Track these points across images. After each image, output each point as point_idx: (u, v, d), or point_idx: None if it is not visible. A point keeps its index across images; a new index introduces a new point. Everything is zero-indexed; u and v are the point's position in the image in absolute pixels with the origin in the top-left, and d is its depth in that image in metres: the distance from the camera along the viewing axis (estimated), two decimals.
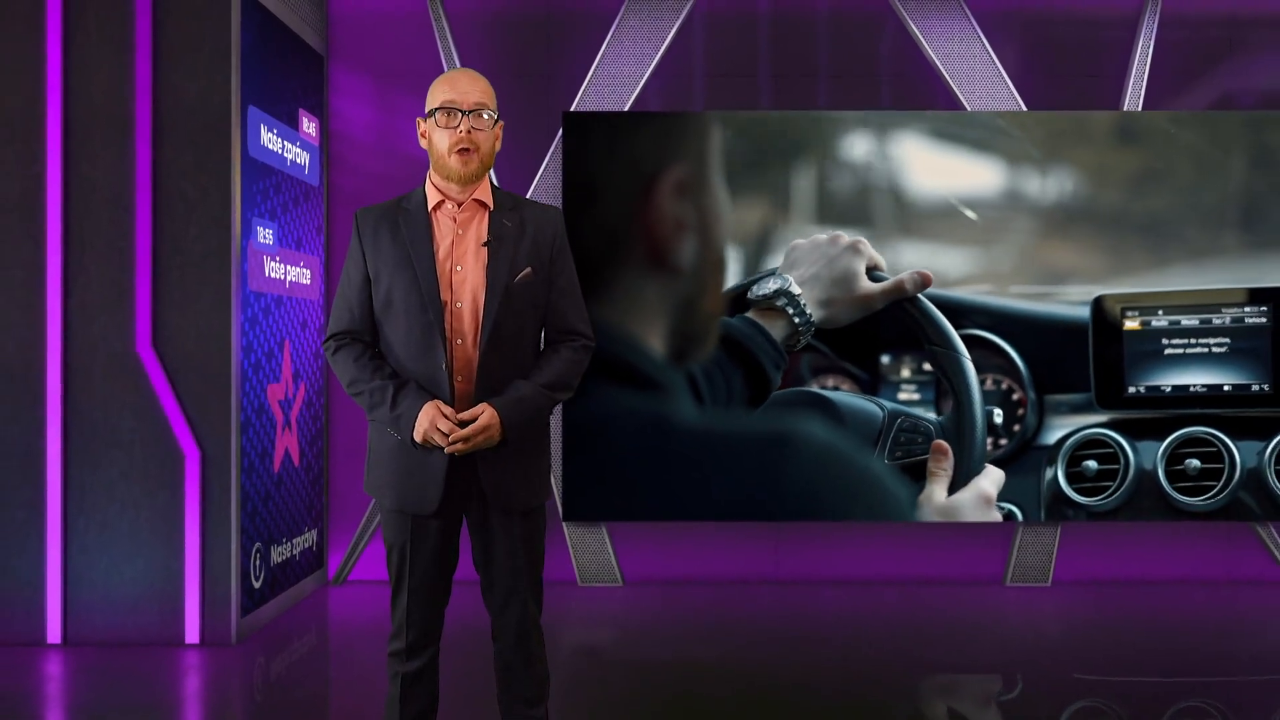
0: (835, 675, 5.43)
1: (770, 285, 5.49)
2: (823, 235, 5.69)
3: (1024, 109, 6.99)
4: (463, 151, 3.50)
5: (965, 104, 6.99)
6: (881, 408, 5.86)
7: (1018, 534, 7.07)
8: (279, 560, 6.36)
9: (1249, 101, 7.20)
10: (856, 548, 7.16)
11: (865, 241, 5.61)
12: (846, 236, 5.63)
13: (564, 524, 7.01)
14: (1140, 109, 7.03)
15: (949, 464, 5.51)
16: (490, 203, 3.58)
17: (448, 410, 3.44)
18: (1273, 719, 4.91)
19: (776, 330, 5.50)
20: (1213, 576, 7.14)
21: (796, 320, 5.46)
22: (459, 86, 3.52)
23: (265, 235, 6.12)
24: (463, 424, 3.45)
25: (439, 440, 3.42)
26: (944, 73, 7.02)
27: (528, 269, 3.54)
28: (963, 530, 7.12)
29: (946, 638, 6.11)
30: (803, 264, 5.63)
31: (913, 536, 7.14)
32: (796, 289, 5.47)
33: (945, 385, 5.52)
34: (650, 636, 6.21)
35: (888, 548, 7.15)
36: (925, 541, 7.15)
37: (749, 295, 5.61)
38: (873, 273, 5.60)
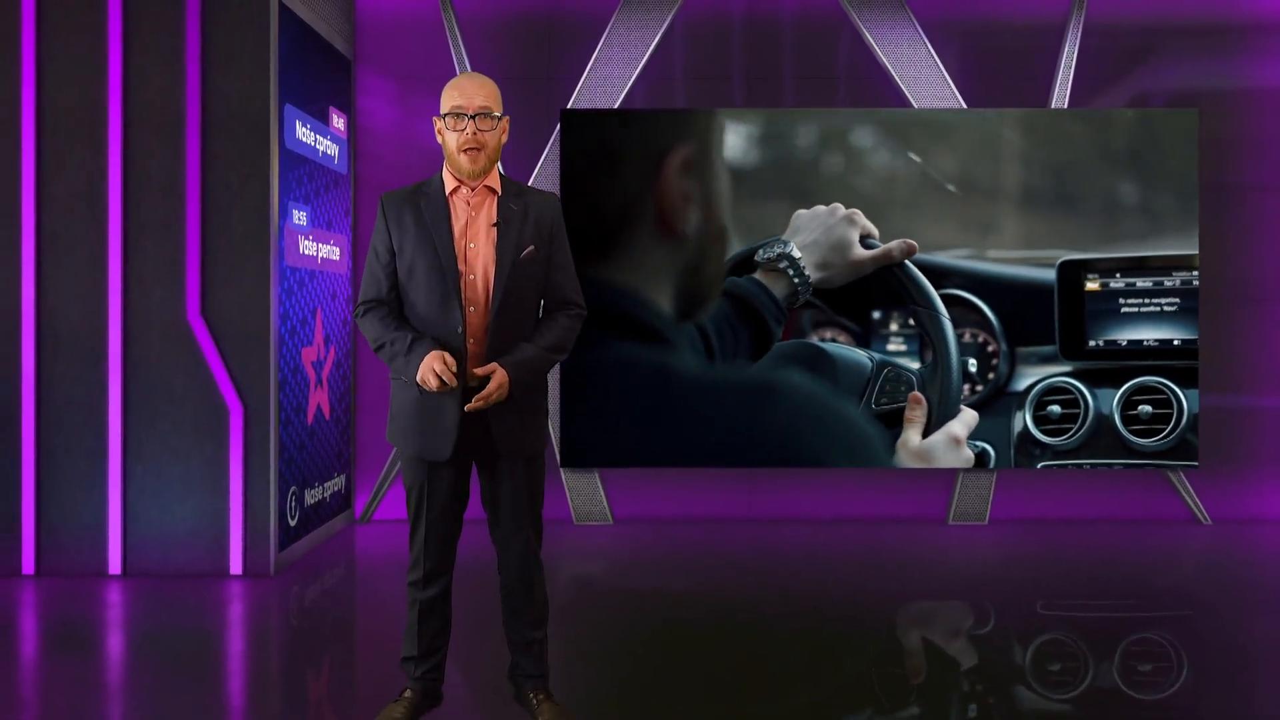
0: (802, 602, 5.48)
1: (774, 249, 5.60)
2: (823, 207, 5.80)
3: (964, 107, 7.02)
4: (470, 150, 3.53)
5: (912, 102, 7.02)
6: (871, 359, 5.96)
7: (959, 479, 7.14)
8: (312, 502, 6.42)
9: (1161, 100, 7.23)
10: (820, 491, 7.22)
11: (859, 213, 5.74)
12: (843, 208, 5.74)
13: (561, 470, 7.06)
14: (1066, 107, 7.06)
15: (923, 412, 5.65)
16: (498, 189, 3.62)
17: (448, 359, 3.45)
18: (1182, 642, 4.98)
19: (778, 289, 5.61)
20: (1130, 516, 7.21)
21: (796, 281, 5.56)
22: (465, 92, 3.54)
23: (300, 217, 6.14)
24: (478, 384, 3.49)
25: (433, 383, 3.43)
26: (894, 74, 7.04)
27: (530, 246, 3.58)
28: (911, 475, 7.18)
29: (897, 569, 6.17)
30: (804, 231, 5.74)
31: (869, 481, 7.20)
32: (797, 253, 5.57)
33: (926, 340, 5.62)
34: (637, 569, 6.26)
35: (847, 491, 7.21)
36: (879, 485, 7.21)
37: (755, 258, 5.72)
38: (865, 240, 5.70)
